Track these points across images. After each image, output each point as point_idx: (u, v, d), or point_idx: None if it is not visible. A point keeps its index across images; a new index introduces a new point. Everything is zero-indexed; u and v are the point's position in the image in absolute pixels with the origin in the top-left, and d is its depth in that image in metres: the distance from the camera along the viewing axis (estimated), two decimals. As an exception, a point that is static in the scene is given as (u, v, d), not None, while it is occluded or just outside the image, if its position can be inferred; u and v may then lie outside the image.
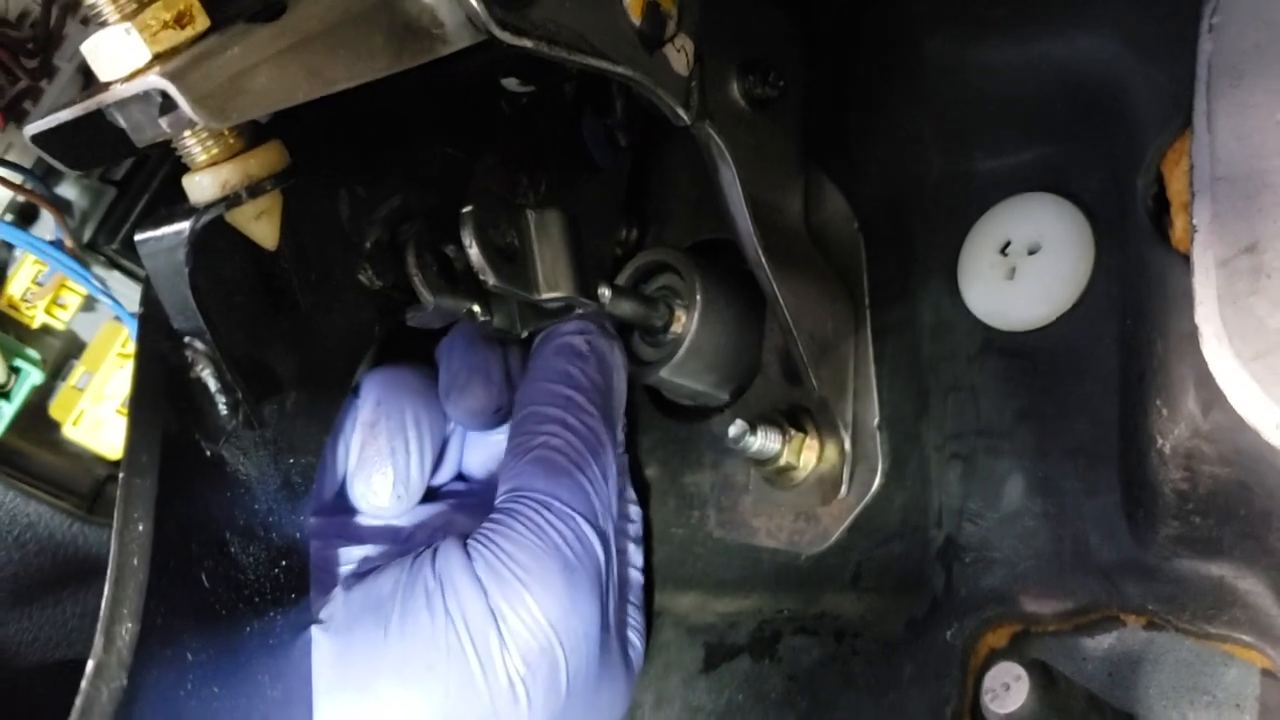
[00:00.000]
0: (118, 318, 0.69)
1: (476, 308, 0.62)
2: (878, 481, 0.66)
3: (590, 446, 0.58)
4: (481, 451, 0.68)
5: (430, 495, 0.65)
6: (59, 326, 0.67)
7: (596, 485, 0.57)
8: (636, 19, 0.55)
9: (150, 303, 0.52)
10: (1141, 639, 0.53)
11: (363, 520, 0.62)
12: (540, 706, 0.51)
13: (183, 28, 0.45)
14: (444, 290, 0.60)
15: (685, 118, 0.58)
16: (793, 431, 0.67)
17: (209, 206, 0.47)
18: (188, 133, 0.47)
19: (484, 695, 0.49)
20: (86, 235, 0.65)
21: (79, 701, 0.43)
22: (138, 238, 0.49)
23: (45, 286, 0.66)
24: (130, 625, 0.44)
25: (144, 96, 0.45)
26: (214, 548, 0.49)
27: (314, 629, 0.51)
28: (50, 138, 0.49)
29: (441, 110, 0.65)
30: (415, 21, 0.48)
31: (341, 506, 0.62)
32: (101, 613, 0.45)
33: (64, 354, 0.69)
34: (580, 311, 0.64)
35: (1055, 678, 0.52)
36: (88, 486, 0.69)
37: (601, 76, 0.54)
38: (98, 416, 0.66)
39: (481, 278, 0.58)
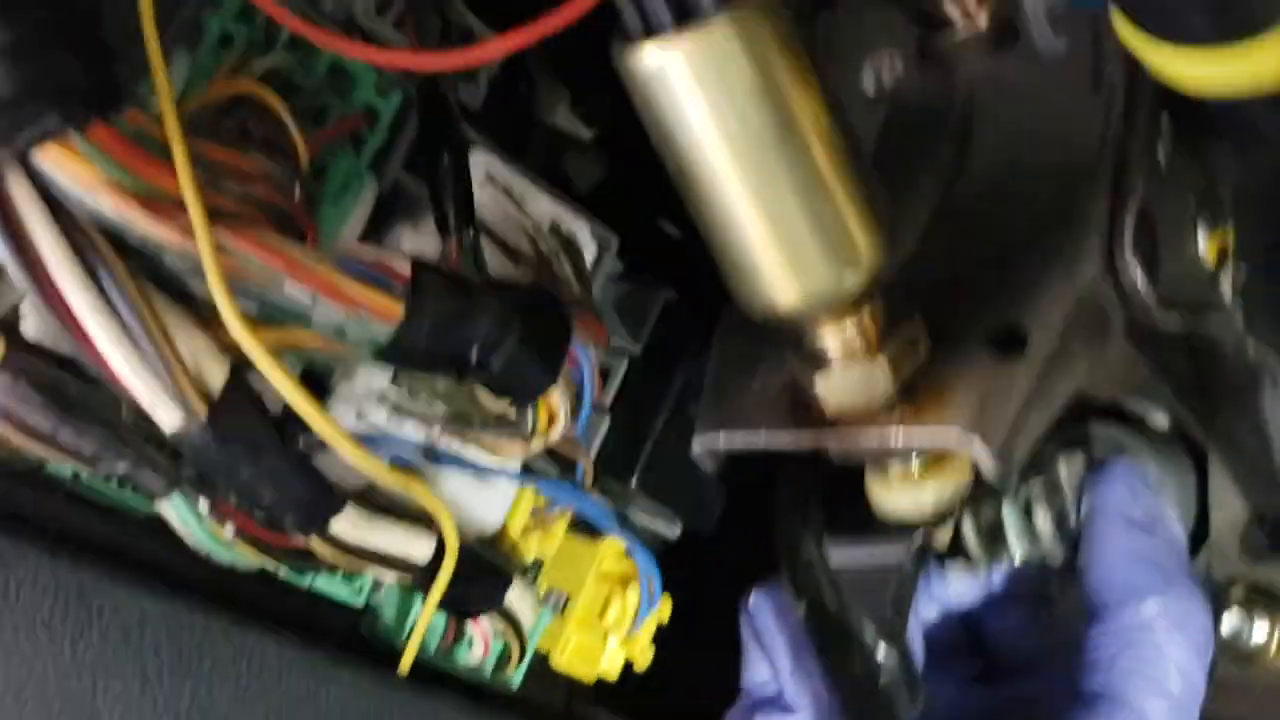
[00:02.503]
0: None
1: None
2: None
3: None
4: None
5: None
6: (545, 559, 0.66)
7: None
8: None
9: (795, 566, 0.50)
10: None
11: None
12: None
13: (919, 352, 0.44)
14: None
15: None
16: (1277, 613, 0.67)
17: (917, 530, 0.46)
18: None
19: None
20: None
21: None
22: (836, 559, 0.47)
23: (538, 519, 0.65)
24: None
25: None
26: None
27: None
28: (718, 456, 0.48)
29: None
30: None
31: None
32: None
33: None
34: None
35: None
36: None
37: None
38: (588, 643, 0.65)
39: None
